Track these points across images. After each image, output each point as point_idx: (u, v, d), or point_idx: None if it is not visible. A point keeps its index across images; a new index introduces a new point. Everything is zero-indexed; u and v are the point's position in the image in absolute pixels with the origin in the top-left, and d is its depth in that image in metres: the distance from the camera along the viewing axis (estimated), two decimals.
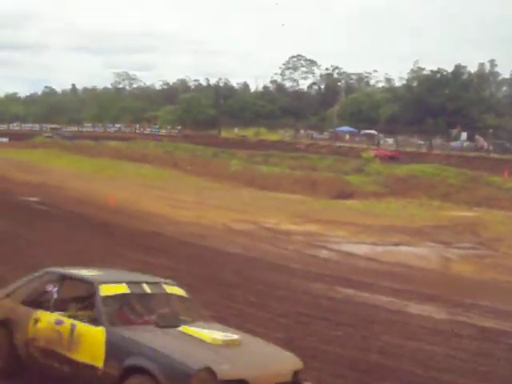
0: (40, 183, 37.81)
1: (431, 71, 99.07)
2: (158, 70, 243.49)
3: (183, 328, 7.58)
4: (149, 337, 7.23)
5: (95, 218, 25.67)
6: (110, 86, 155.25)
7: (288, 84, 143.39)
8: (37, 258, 17.92)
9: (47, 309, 8.24)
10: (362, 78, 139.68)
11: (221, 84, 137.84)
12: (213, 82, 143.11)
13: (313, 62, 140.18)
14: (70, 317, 8.00)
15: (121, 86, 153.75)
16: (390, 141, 79.02)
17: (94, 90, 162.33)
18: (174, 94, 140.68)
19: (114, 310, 7.92)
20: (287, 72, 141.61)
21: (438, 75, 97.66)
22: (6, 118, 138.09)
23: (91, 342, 7.38)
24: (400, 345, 11.75)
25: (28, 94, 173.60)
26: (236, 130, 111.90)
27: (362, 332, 12.41)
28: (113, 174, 44.88)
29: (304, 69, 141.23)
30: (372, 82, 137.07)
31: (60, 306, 8.36)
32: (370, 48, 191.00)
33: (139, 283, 8.59)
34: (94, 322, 7.54)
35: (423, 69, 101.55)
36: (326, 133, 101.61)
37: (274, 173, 42.34)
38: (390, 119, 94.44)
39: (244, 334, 8.19)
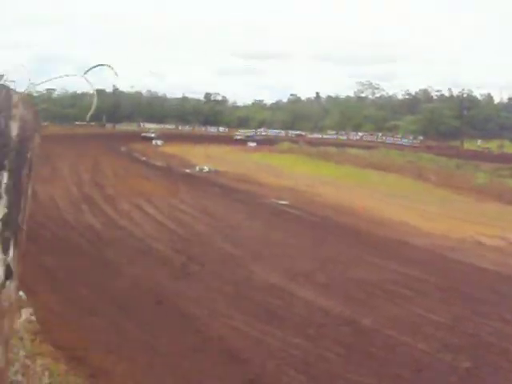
0: (290, 187, 39.27)
1: None
2: (400, 80, 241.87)
3: None
4: None
5: (345, 224, 26.33)
6: (352, 95, 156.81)
7: None
8: (292, 259, 18.98)
9: None
10: None
11: (464, 95, 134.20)
12: (456, 92, 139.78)
13: None
14: None
15: (363, 95, 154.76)
16: None
17: (336, 98, 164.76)
18: (416, 104, 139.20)
19: None
20: None
21: None
22: (254, 124, 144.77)
23: None
24: None
25: (274, 102, 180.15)
26: (479, 142, 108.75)
27: None
28: (358, 181, 45.46)
29: None
30: None
31: None
32: None
33: None
34: None
35: None
36: None
37: None
38: None
39: None
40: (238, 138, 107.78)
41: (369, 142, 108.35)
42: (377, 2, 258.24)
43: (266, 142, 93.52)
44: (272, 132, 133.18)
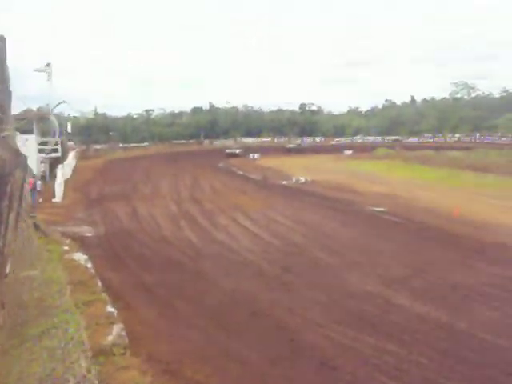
0: (386, 193, 39.00)
1: None
2: (497, 79, 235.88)
3: None
4: None
5: (441, 228, 25.97)
6: (447, 97, 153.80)
7: None
8: (386, 266, 18.91)
9: None
10: None
11: None
12: None
13: None
14: None
15: (459, 95, 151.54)
16: None
17: (432, 100, 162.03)
18: None
19: None
20: None
21: None
22: (349, 132, 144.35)
23: None
24: None
25: (369, 108, 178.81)
26: None
27: None
28: (455, 184, 44.65)
29: None
30: None
31: None
32: None
33: None
34: None
35: None
36: None
37: None
38: None
39: None
40: (290, 146, 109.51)
41: (467, 143, 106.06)
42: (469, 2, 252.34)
43: (363, 149, 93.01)
44: (368, 139, 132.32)
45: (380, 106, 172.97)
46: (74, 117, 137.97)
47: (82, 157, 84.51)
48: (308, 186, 45.36)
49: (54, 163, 49.01)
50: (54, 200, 37.22)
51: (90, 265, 19.20)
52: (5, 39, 12.42)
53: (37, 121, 50.87)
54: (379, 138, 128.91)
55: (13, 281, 12.67)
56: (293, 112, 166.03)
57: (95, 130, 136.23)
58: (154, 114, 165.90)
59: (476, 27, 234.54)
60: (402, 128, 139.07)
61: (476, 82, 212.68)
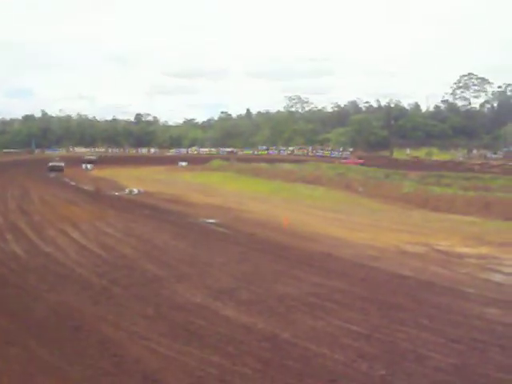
0: (219, 205, 39.40)
1: None
2: (331, 93, 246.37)
3: None
4: None
5: (270, 239, 26.50)
6: (282, 110, 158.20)
7: (460, 103, 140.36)
8: (214, 278, 19.01)
9: None
10: None
11: (392, 105, 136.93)
12: (383, 102, 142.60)
13: (484, 80, 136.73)
14: None
15: (293, 109, 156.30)
16: None
17: (267, 113, 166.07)
18: (345, 116, 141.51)
19: None
20: (458, 91, 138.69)
21: None
22: (186, 143, 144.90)
23: None
24: None
25: (205, 120, 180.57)
26: (408, 151, 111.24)
27: None
28: (287, 196, 45.87)
29: (476, 87, 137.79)
30: None
31: None
32: None
33: None
34: None
35: None
36: (500, 152, 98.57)
37: (446, 194, 41.51)
38: None
39: None
40: (87, 157, 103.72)
41: (300, 156, 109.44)
42: (305, 17, 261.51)
43: (198, 161, 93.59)
44: (204, 150, 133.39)
45: (216, 118, 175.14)
46: None
47: None
48: (141, 198, 45.03)
49: None
50: None
51: None
52: None
53: None
54: (214, 150, 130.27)
55: None
56: (128, 122, 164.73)
57: None
58: None
59: (310, 44, 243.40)
60: (237, 140, 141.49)
61: (312, 98, 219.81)
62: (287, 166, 71.86)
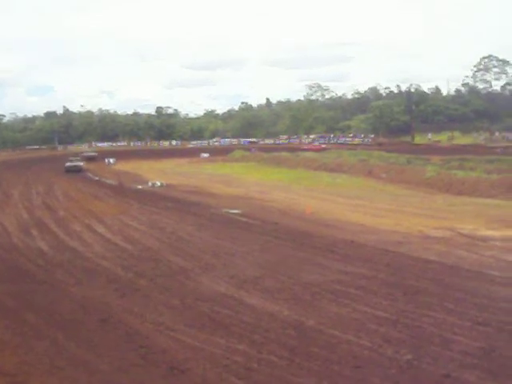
0: (241, 195, 39.48)
1: None
2: (350, 80, 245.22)
3: None
4: None
5: (294, 228, 26.53)
6: (302, 99, 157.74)
7: (481, 86, 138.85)
8: (238, 268, 19.07)
9: None
10: None
11: (412, 90, 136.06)
12: (404, 88, 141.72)
13: (505, 62, 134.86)
14: None
15: (313, 97, 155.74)
16: None
17: (287, 102, 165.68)
18: (365, 102, 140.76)
19: None
20: (479, 74, 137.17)
21: None
22: (207, 135, 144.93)
23: None
24: None
25: (225, 111, 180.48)
26: (429, 136, 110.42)
27: None
28: (309, 185, 45.83)
29: (496, 69, 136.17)
30: None
31: None
32: None
33: None
34: None
35: None
36: None
37: (470, 178, 41.23)
38: None
39: None
40: (86, 154, 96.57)
41: (321, 143, 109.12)
42: (322, 3, 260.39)
43: (220, 152, 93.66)
44: (225, 141, 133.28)
45: (236, 109, 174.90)
46: None
47: None
48: (164, 190, 45.20)
49: None
50: None
51: None
52: None
53: None
54: (235, 140, 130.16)
55: None
56: (149, 115, 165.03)
57: None
58: (6, 119, 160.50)
59: (329, 31, 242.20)
60: (258, 130, 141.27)
61: (331, 85, 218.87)
62: (309, 155, 71.72)
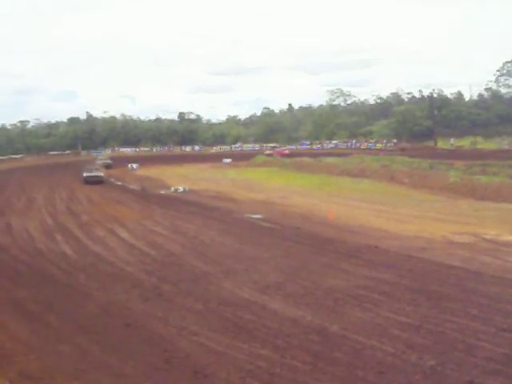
0: (263, 200, 39.49)
1: None
2: (372, 85, 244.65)
3: None
4: None
5: (316, 233, 26.50)
6: (324, 104, 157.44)
7: (503, 90, 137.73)
8: (261, 273, 19.09)
9: None
10: None
11: (434, 94, 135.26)
12: (426, 93, 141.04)
13: None
14: None
15: (335, 102, 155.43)
16: None
17: (309, 108, 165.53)
18: (387, 107, 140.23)
19: None
20: (502, 78, 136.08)
21: None
22: (229, 140, 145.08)
23: None
24: None
25: (247, 116, 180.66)
26: (452, 141, 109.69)
27: None
28: (332, 190, 45.70)
29: None
30: None
31: None
32: None
33: None
34: None
35: None
36: None
37: (493, 183, 40.88)
38: None
39: None
40: (101, 161, 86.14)
41: (343, 149, 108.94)
42: (343, 9, 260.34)
43: (242, 157, 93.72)
44: (247, 147, 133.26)
45: (258, 114, 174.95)
46: None
47: None
48: (186, 195, 45.31)
49: None
50: None
51: None
52: None
53: None
54: (257, 146, 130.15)
55: None
56: (172, 121, 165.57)
57: None
58: (30, 124, 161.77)
59: (351, 36, 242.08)
60: (280, 135, 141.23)
61: (353, 90, 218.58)
62: (331, 160, 71.54)
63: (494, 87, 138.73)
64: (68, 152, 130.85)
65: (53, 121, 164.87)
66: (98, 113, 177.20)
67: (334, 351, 11.92)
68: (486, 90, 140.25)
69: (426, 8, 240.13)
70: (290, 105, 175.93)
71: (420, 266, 19.46)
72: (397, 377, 10.61)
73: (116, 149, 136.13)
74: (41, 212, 38.15)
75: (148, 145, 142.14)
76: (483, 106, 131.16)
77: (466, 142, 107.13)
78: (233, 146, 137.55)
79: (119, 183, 59.92)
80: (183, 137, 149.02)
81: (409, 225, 27.90)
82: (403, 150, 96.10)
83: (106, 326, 14.21)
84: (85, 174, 60.81)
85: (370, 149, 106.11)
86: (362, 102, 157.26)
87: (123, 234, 28.15)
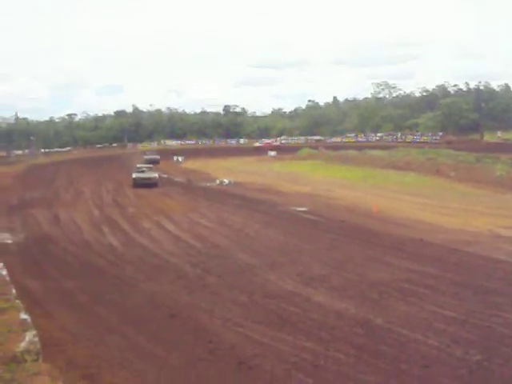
0: (308, 193, 39.49)
1: None
2: (418, 78, 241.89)
3: None
4: None
5: (361, 226, 26.45)
6: (369, 97, 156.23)
7: None
8: (305, 265, 19.11)
9: None
10: None
11: (481, 87, 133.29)
12: (472, 85, 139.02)
13: None
14: None
15: (381, 95, 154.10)
16: None
17: (354, 101, 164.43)
18: (433, 100, 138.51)
19: None
20: None
21: None
22: (274, 133, 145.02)
23: None
24: None
25: (292, 109, 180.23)
26: (499, 134, 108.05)
27: None
28: (377, 183, 45.48)
29: None
30: None
31: None
32: None
33: None
34: None
35: None
36: None
37: None
38: None
39: None
40: (148, 157, 79.90)
41: (388, 142, 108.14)
42: (388, 1, 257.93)
43: (287, 150, 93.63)
44: (293, 139, 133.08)
45: (303, 107, 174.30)
46: None
47: (1, 163, 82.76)
48: (232, 188, 45.53)
49: None
50: None
51: (4, 272, 18.73)
52: None
53: None
54: (302, 139, 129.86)
55: None
56: (217, 114, 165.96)
57: (16, 136, 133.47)
58: (77, 118, 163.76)
59: (395, 28, 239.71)
60: (325, 128, 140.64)
61: (398, 83, 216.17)
62: (376, 153, 71.06)
63: None
64: (114, 145, 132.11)
65: (99, 114, 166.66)
66: (144, 106, 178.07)
67: (378, 344, 11.89)
68: None
69: (470, 1, 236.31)
70: (334, 98, 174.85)
71: (466, 260, 19.30)
72: (442, 371, 10.54)
73: (162, 142, 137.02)
74: (88, 204, 38.64)
75: (193, 138, 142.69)
76: None
77: None
78: (278, 138, 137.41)
79: (165, 176, 60.35)
80: (228, 130, 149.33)
81: (454, 218, 27.65)
82: (449, 142, 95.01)
83: (151, 316, 14.38)
84: (134, 175, 49.84)
85: (415, 142, 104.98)
86: (408, 95, 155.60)
87: (169, 226, 28.42)
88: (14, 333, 11.71)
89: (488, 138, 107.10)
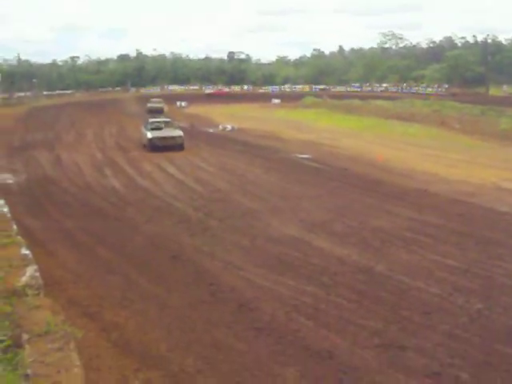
0: (312, 141, 39.26)
1: None
2: (424, 29, 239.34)
3: None
4: None
5: (364, 174, 26.34)
6: (375, 47, 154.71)
7: None
8: (307, 211, 19.08)
9: None
10: None
11: (488, 40, 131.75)
12: (480, 38, 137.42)
13: None
14: None
15: (387, 45, 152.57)
16: None
17: (360, 50, 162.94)
18: (440, 52, 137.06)
19: None
20: None
21: None
22: (278, 81, 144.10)
23: None
24: None
25: (297, 57, 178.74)
26: (504, 87, 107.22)
27: None
28: (381, 133, 45.17)
29: None
30: None
31: None
32: None
33: None
34: None
35: None
36: None
37: None
38: None
39: None
40: (152, 105, 75.09)
41: (393, 92, 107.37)
42: None
43: (291, 98, 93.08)
44: (297, 87, 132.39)
45: (308, 55, 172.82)
46: None
47: (3, 104, 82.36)
48: (234, 134, 45.35)
49: None
50: None
51: (6, 209, 18.71)
52: None
53: None
54: (307, 87, 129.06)
55: None
56: (221, 60, 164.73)
57: (18, 78, 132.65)
58: (80, 61, 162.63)
59: None
60: (330, 77, 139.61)
61: (404, 33, 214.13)
62: (381, 103, 70.55)
63: None
64: (118, 89, 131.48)
65: (103, 58, 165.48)
66: (147, 51, 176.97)
67: (379, 291, 11.87)
68: None
69: None
70: (340, 47, 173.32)
71: (468, 211, 19.19)
72: (443, 318, 10.51)
73: (165, 87, 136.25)
74: (90, 147, 38.57)
75: (197, 84, 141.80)
76: None
77: None
78: (282, 86, 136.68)
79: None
80: (232, 76, 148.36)
81: (458, 170, 27.48)
82: (454, 95, 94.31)
83: (153, 257, 14.38)
84: (150, 135, 36.32)
85: (420, 93, 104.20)
86: (414, 46, 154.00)
87: (171, 169, 28.37)
88: (15, 267, 11.70)
89: (494, 91, 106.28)
